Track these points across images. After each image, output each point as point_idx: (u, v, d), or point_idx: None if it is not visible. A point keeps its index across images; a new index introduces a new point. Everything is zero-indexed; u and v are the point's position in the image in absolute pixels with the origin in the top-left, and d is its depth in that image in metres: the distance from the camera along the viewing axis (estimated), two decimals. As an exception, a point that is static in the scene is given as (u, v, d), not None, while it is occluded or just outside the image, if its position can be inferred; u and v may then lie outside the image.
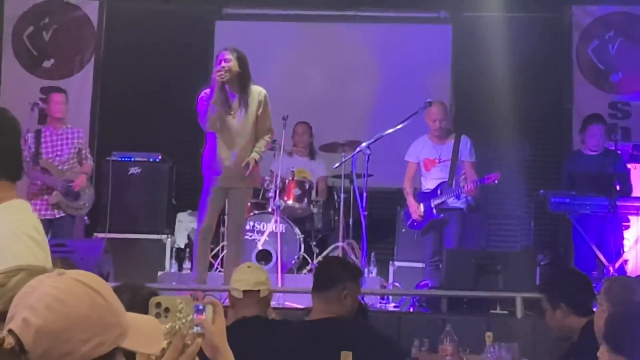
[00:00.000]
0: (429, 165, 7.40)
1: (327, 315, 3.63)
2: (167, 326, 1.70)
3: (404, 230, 7.91)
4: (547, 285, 3.88)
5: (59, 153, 7.34)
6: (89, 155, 7.61)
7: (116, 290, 1.54)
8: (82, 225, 8.51)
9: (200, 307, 1.80)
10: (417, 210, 7.32)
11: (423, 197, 7.37)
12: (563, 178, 7.63)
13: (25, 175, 7.11)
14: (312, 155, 8.43)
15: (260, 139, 6.50)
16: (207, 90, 6.39)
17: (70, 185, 7.29)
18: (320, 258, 7.85)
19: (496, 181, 6.99)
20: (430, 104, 7.16)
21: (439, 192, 7.25)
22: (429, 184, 7.38)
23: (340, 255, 7.68)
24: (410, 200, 7.38)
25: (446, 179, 7.29)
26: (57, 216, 7.29)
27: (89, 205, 7.54)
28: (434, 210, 7.24)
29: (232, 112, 6.37)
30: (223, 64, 6.31)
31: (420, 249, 7.62)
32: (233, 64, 6.31)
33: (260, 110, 6.45)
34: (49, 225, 7.17)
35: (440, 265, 7.11)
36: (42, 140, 7.32)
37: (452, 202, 7.27)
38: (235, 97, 6.39)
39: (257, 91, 6.46)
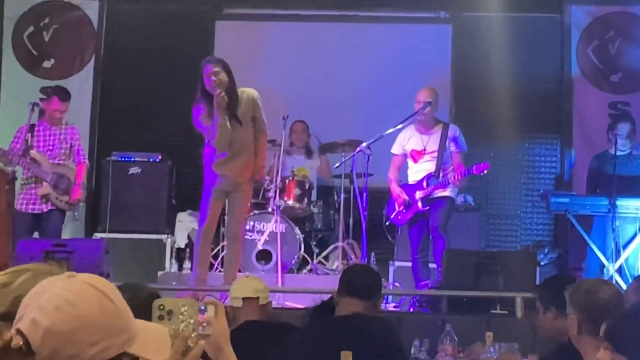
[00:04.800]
0: (416, 157, 7.03)
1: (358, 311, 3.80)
2: (171, 329, 1.69)
3: (400, 231, 7.86)
4: (541, 287, 3.96)
5: (50, 148, 7.16)
6: (82, 152, 7.35)
7: (116, 290, 1.54)
8: (81, 225, 8.53)
9: (202, 307, 1.79)
10: (400, 196, 6.98)
11: (407, 189, 7.02)
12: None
13: (16, 165, 6.98)
14: (308, 153, 8.47)
15: (257, 142, 6.46)
16: (202, 114, 6.27)
17: (61, 177, 7.09)
18: (320, 258, 7.85)
19: (485, 172, 6.67)
20: (430, 103, 7.03)
21: (424, 184, 6.91)
22: (415, 176, 7.03)
23: (340, 255, 7.69)
24: (394, 187, 7.04)
25: (433, 171, 6.93)
26: (45, 210, 7.08)
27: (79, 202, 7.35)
28: (419, 203, 6.91)
29: (228, 123, 6.30)
30: (213, 78, 6.15)
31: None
32: (222, 76, 6.20)
33: (253, 112, 6.39)
34: (35, 221, 7.10)
35: (427, 261, 6.99)
36: (35, 134, 7.14)
37: (437, 192, 6.88)
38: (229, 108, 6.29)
39: (248, 93, 6.38)
